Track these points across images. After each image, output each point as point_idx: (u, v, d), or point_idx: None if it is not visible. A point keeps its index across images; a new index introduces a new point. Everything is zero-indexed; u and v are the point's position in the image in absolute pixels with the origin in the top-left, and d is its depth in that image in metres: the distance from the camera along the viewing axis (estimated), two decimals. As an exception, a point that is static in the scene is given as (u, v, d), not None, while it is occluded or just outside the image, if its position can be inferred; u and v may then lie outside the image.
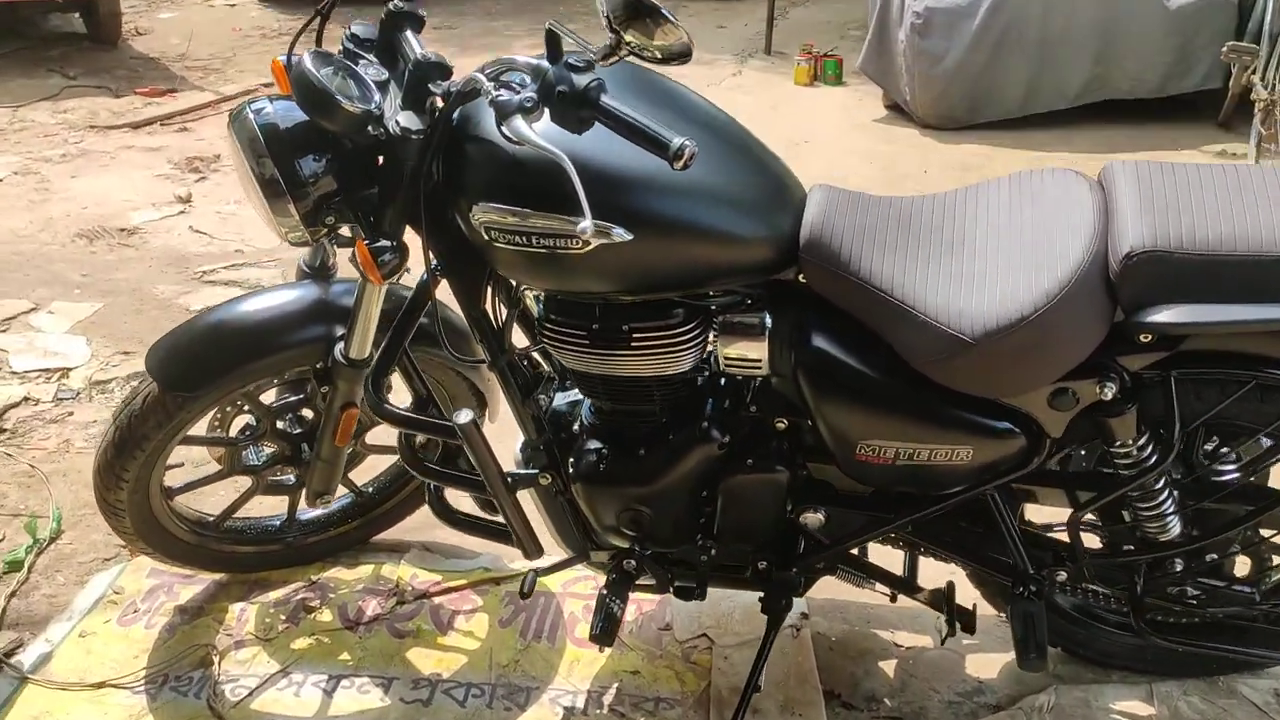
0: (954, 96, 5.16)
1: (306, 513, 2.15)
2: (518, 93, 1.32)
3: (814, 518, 1.69)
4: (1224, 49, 4.46)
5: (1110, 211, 1.45)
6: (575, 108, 1.29)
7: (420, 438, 1.78)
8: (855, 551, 1.81)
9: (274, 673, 1.94)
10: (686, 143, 1.23)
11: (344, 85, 1.47)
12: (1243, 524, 1.59)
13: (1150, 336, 1.42)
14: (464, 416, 1.54)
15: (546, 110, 1.31)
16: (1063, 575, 1.68)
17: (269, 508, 2.15)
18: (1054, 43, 5.07)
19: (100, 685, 1.91)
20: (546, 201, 1.40)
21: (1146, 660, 1.87)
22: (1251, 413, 1.52)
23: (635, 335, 1.54)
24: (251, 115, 1.54)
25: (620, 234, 1.40)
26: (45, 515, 2.37)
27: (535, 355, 1.76)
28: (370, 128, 1.46)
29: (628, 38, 1.22)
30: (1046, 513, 1.76)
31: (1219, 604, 1.71)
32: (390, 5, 1.58)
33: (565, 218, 1.39)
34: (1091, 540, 1.74)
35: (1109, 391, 1.46)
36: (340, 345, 1.75)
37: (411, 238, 1.59)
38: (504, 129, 1.29)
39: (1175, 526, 1.60)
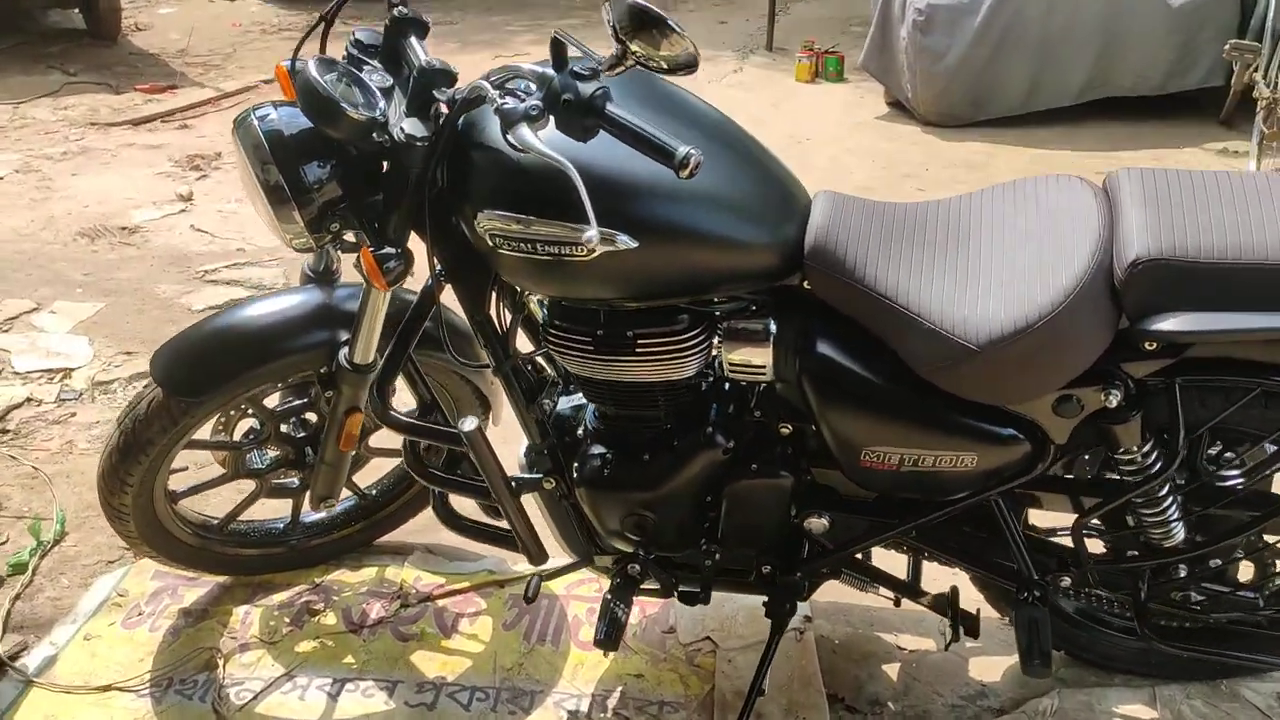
0: (956, 94, 5.16)
1: (310, 515, 2.15)
2: (523, 100, 1.31)
3: (818, 523, 1.69)
4: (1226, 47, 4.46)
5: (1115, 219, 1.45)
6: (580, 116, 1.29)
7: (424, 443, 1.78)
8: (859, 556, 1.81)
9: (278, 676, 1.95)
10: (692, 151, 1.23)
11: (349, 92, 1.47)
12: (1247, 530, 1.60)
13: (1155, 344, 1.42)
14: (469, 424, 1.54)
15: (551, 118, 1.31)
16: (1067, 581, 1.69)
17: (272, 510, 2.15)
18: (1056, 40, 5.08)
19: (106, 688, 1.92)
20: (551, 209, 1.40)
21: (1150, 664, 1.87)
22: (1256, 419, 1.52)
23: (640, 341, 1.54)
24: (256, 121, 1.53)
25: (625, 241, 1.40)
26: (49, 517, 2.37)
27: (539, 359, 1.76)
28: (375, 135, 1.46)
29: (634, 48, 1.22)
30: (1050, 516, 1.76)
31: (1222, 609, 1.71)
32: (394, 11, 1.57)
33: (570, 225, 1.39)
34: (1095, 545, 1.74)
35: (1114, 399, 1.46)
36: (344, 350, 1.75)
37: (415, 243, 1.59)
38: (509, 137, 1.29)
39: (1179, 532, 1.61)
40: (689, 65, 1.22)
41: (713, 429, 1.65)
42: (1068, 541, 1.69)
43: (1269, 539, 1.67)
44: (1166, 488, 1.57)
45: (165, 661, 1.98)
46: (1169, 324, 1.38)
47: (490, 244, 1.47)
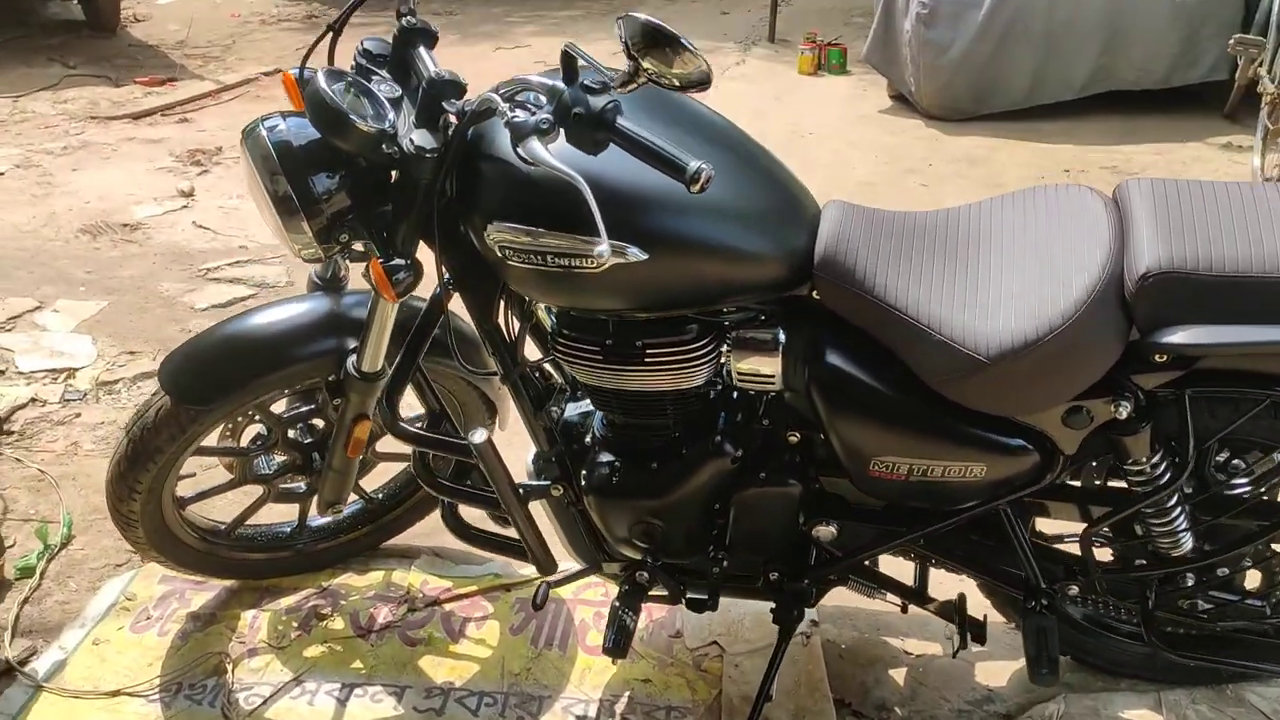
0: (959, 87, 5.14)
1: (317, 519, 2.15)
2: (533, 113, 1.31)
3: (826, 530, 1.70)
4: (1231, 41, 4.44)
5: (1126, 230, 1.44)
6: (591, 130, 1.29)
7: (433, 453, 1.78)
8: (866, 562, 1.81)
9: (287, 681, 1.95)
10: (703, 166, 1.23)
11: (357, 103, 1.46)
12: (1256, 540, 1.60)
13: (1166, 356, 1.42)
14: (479, 436, 1.55)
15: (562, 131, 1.31)
16: (1074, 589, 1.69)
17: (279, 515, 2.16)
18: (1060, 33, 5.06)
19: (115, 694, 1.93)
20: (561, 221, 1.40)
21: (1155, 669, 1.88)
22: (1265, 430, 1.52)
23: (649, 351, 1.54)
24: (265, 132, 1.53)
25: (635, 254, 1.40)
26: (55, 520, 2.37)
27: (547, 366, 1.76)
28: (384, 146, 1.46)
29: (646, 65, 1.21)
30: (1057, 523, 1.76)
31: (1230, 618, 1.72)
32: (403, 21, 1.57)
33: (579, 237, 1.39)
34: (1103, 553, 1.74)
35: (1124, 410, 1.46)
36: (352, 358, 1.75)
37: (424, 251, 1.59)
38: (520, 150, 1.29)
39: (1187, 542, 1.61)
40: (701, 83, 1.21)
41: (721, 437, 1.65)
42: (1075, 549, 1.70)
43: (1277, 548, 1.68)
44: (1175, 498, 1.57)
45: (174, 666, 1.98)
46: (1180, 337, 1.38)
47: (499, 255, 1.47)
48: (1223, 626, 1.73)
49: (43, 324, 3.26)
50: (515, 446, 1.80)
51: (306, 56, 1.59)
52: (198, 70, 6.37)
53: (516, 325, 1.66)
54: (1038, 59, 5.11)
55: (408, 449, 1.82)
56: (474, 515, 1.90)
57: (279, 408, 1.95)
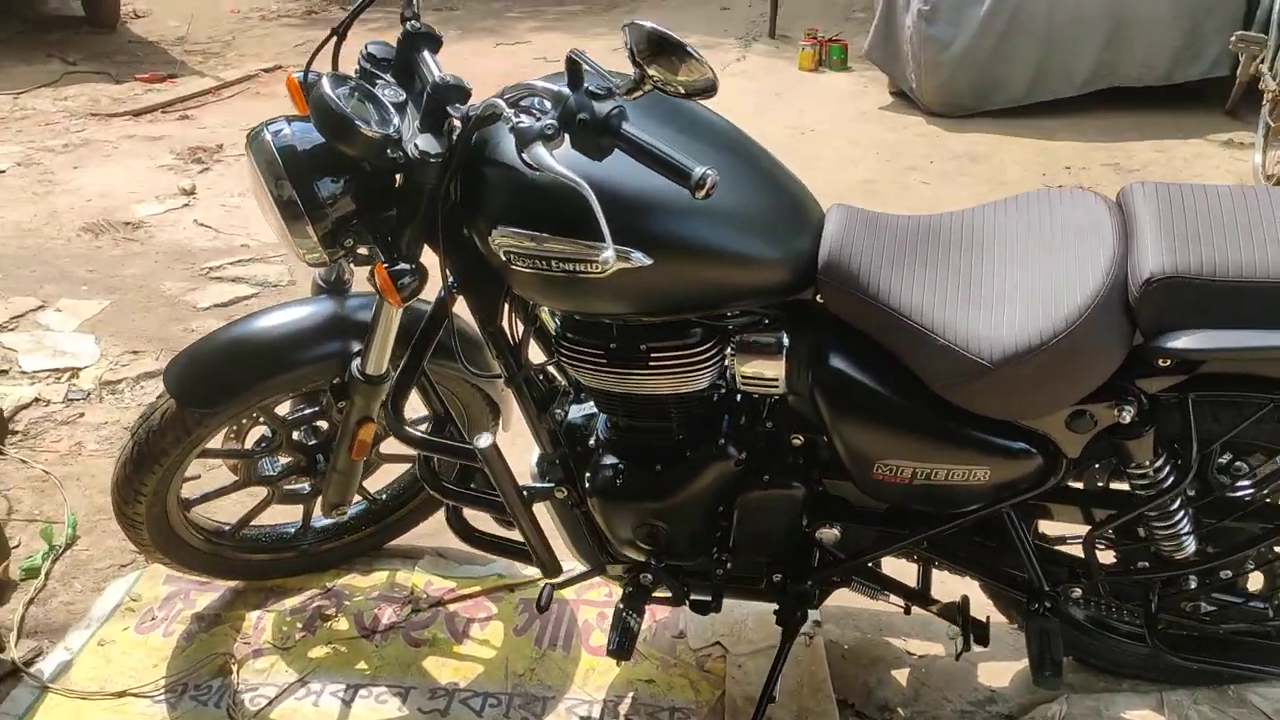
0: (960, 83, 5.14)
1: (320, 520, 2.15)
2: (537, 118, 1.31)
3: (829, 533, 1.70)
4: (1233, 38, 4.44)
5: (1130, 235, 1.45)
6: (596, 136, 1.29)
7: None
8: (870, 564, 1.82)
9: (292, 682, 1.96)
10: (709, 172, 1.23)
11: (362, 109, 1.46)
12: (1259, 543, 1.60)
13: (1169, 361, 1.42)
14: (484, 440, 1.55)
15: (566, 137, 1.31)
16: (1077, 591, 1.70)
17: (282, 515, 2.16)
18: (1061, 29, 5.05)
19: (121, 694, 1.93)
20: (565, 227, 1.40)
21: (1157, 669, 1.88)
22: (1269, 434, 1.52)
23: (653, 355, 1.54)
24: (269, 137, 1.53)
25: (639, 259, 1.41)
26: (60, 521, 2.38)
27: (551, 369, 1.76)
28: (389, 151, 1.46)
29: (651, 72, 1.21)
30: (1059, 524, 1.77)
31: (1233, 620, 1.72)
32: (407, 26, 1.57)
33: (584, 243, 1.39)
34: (1105, 555, 1.75)
35: (1127, 415, 1.46)
36: (357, 361, 1.76)
37: (428, 254, 1.59)
38: (524, 156, 1.29)
39: (1190, 545, 1.61)
40: (707, 90, 1.21)
41: (725, 440, 1.65)
42: (1077, 551, 1.70)
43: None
44: (1178, 501, 1.58)
45: (179, 667, 1.99)
46: (1184, 342, 1.38)
47: (503, 259, 1.47)
48: (1225, 629, 1.74)
49: (45, 323, 3.27)
50: (518, 447, 1.81)
51: (311, 60, 1.59)
52: (198, 67, 6.37)
53: (521, 328, 1.67)
54: (1039, 55, 5.10)
55: (411, 450, 1.82)
56: (479, 518, 1.90)
57: (283, 410, 1.95)
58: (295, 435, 1.98)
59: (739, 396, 1.67)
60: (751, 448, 1.66)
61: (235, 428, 1.93)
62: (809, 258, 1.51)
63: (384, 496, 2.23)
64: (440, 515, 1.99)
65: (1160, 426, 1.50)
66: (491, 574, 2.21)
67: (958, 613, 1.77)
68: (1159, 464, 1.54)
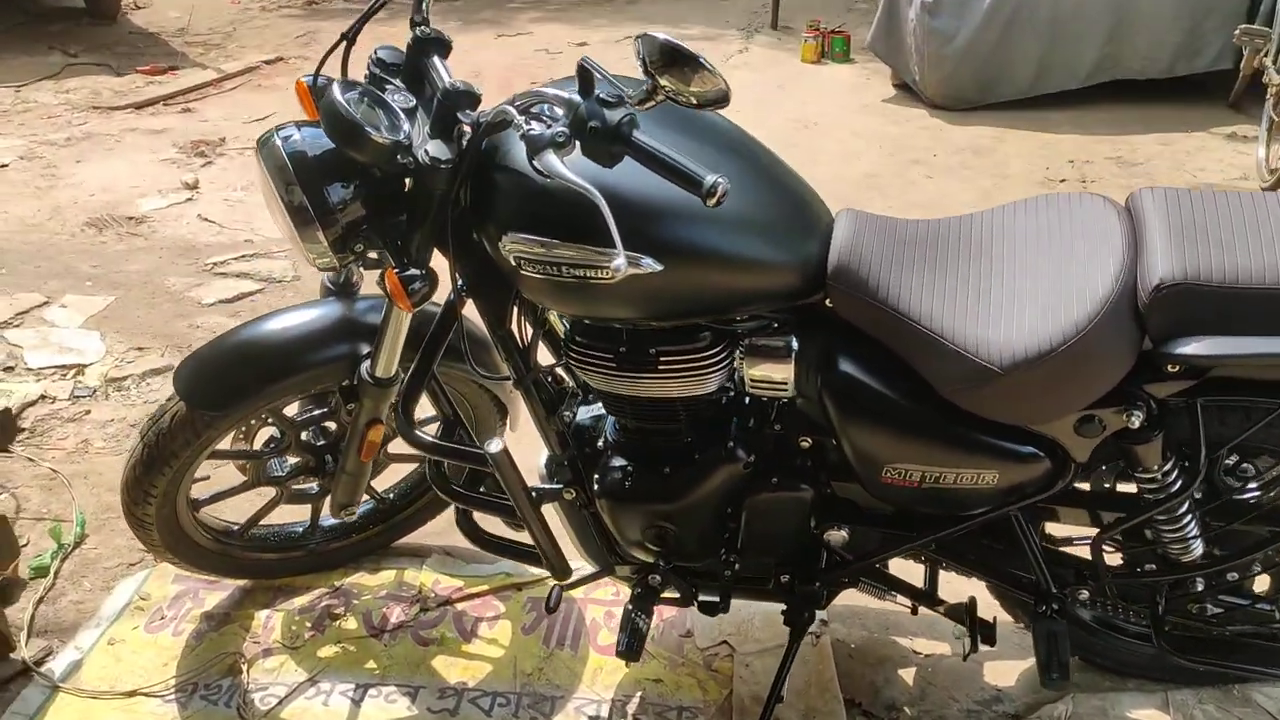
0: (964, 76, 5.13)
1: (329, 519, 2.16)
2: (548, 125, 1.31)
3: (837, 535, 1.71)
4: (1236, 32, 4.44)
5: (1139, 241, 1.45)
6: (607, 143, 1.29)
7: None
8: (877, 565, 1.82)
9: (302, 681, 1.97)
10: (720, 180, 1.23)
11: (371, 114, 1.46)
12: (1266, 545, 1.61)
13: (1178, 367, 1.43)
14: (495, 446, 1.56)
15: (577, 144, 1.31)
16: (1085, 593, 1.71)
17: (290, 514, 2.17)
18: (1065, 22, 5.05)
19: (132, 694, 1.94)
20: (575, 233, 1.40)
21: (1163, 669, 1.89)
22: (1277, 438, 1.53)
23: (662, 359, 1.55)
24: (279, 142, 1.53)
25: (650, 264, 1.41)
26: (68, 519, 2.39)
27: (559, 370, 1.77)
28: (399, 157, 1.46)
29: (663, 83, 1.21)
30: (1066, 526, 1.77)
31: (1239, 622, 1.73)
32: (417, 31, 1.57)
33: (594, 249, 1.40)
34: (1112, 558, 1.75)
35: (1136, 420, 1.47)
36: (366, 363, 1.76)
37: (438, 258, 1.59)
38: (535, 163, 1.29)
39: (1198, 548, 1.62)
40: (719, 101, 1.22)
41: (733, 442, 1.66)
42: (1084, 553, 1.71)
43: (1286, 552, 1.69)
44: (1186, 504, 1.58)
45: (189, 666, 2.00)
46: (1193, 348, 1.38)
47: (513, 264, 1.47)
48: (1232, 630, 1.74)
49: (51, 320, 3.27)
50: (525, 447, 1.81)
51: (321, 64, 1.59)
52: (199, 58, 6.36)
53: (530, 331, 1.67)
54: (1043, 48, 5.09)
55: (426, 466, 1.82)
56: (488, 519, 1.91)
57: (291, 411, 1.96)
58: (304, 436, 1.98)
59: (747, 399, 1.67)
60: (760, 450, 1.66)
61: (244, 429, 1.94)
62: (818, 262, 1.51)
63: (392, 496, 2.23)
64: (448, 513, 1.99)
65: (1168, 431, 1.51)
66: (499, 573, 2.22)
67: (965, 613, 1.78)
68: (1167, 468, 1.54)
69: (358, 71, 1.60)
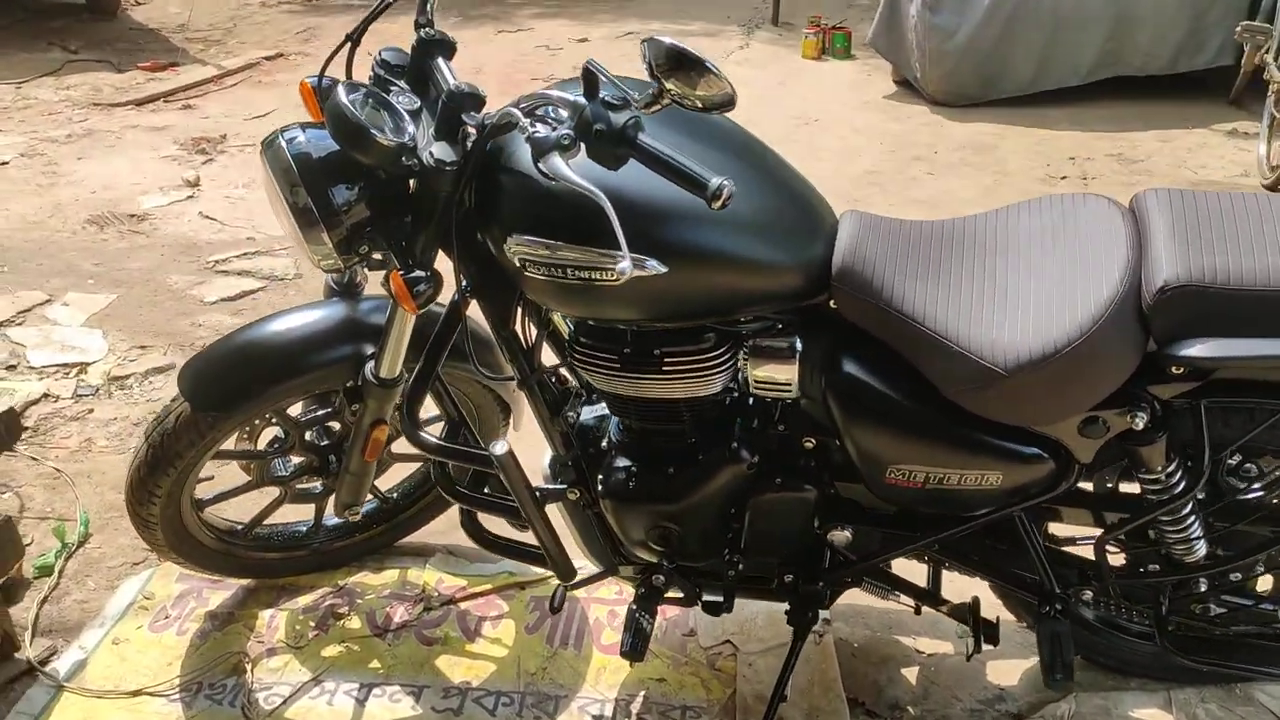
0: (965, 73, 5.13)
1: (333, 519, 2.17)
2: (553, 128, 1.31)
3: (841, 535, 1.71)
4: (1238, 29, 4.44)
5: (1144, 242, 1.45)
6: (612, 146, 1.29)
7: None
8: (881, 565, 1.83)
9: (306, 681, 1.97)
10: (725, 183, 1.23)
11: (376, 116, 1.46)
12: (1269, 546, 1.62)
13: (1183, 369, 1.43)
14: (500, 447, 1.56)
15: (582, 146, 1.31)
16: (1088, 594, 1.71)
17: (294, 514, 2.17)
18: (1066, 18, 5.05)
19: (136, 693, 1.95)
20: (580, 235, 1.40)
21: (1166, 668, 1.90)
22: (1280, 439, 1.54)
23: (666, 360, 1.55)
24: (284, 144, 1.53)
25: (654, 266, 1.41)
26: (72, 518, 2.39)
27: (563, 371, 1.77)
28: (404, 159, 1.46)
29: (669, 86, 1.21)
30: (1070, 526, 1.78)
31: (1242, 622, 1.74)
32: (421, 33, 1.57)
33: (599, 251, 1.40)
34: (1116, 558, 1.76)
35: (1140, 421, 1.47)
36: (370, 364, 1.76)
37: (442, 259, 1.60)
38: (541, 166, 1.29)
39: (1201, 548, 1.63)
40: (725, 105, 1.22)
41: (737, 443, 1.66)
42: (1088, 553, 1.71)
43: (1290, 552, 1.69)
44: (1190, 505, 1.59)
45: (193, 666, 2.01)
46: (1197, 350, 1.39)
47: (517, 265, 1.48)
48: (1235, 631, 1.75)
49: (53, 318, 3.27)
50: (528, 447, 1.82)
51: (325, 66, 1.59)
52: (199, 54, 6.35)
53: (534, 332, 1.67)
54: (1044, 44, 5.09)
55: (430, 468, 1.82)
56: (492, 519, 1.91)
57: (295, 411, 1.96)
58: (307, 436, 1.99)
59: (751, 400, 1.67)
60: (764, 450, 1.66)
61: (248, 429, 1.94)
62: (822, 264, 1.51)
63: (395, 495, 2.24)
64: (451, 512, 2.00)
65: (1173, 432, 1.51)
66: (502, 571, 2.22)
67: (968, 613, 1.79)
68: (1171, 469, 1.55)
69: (362, 73, 1.60)
